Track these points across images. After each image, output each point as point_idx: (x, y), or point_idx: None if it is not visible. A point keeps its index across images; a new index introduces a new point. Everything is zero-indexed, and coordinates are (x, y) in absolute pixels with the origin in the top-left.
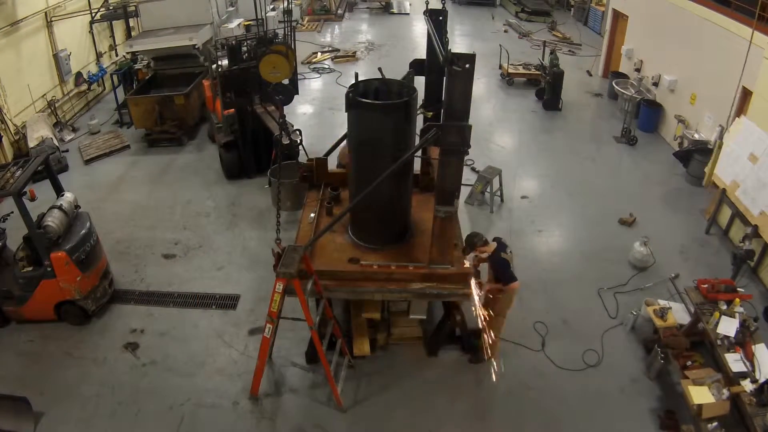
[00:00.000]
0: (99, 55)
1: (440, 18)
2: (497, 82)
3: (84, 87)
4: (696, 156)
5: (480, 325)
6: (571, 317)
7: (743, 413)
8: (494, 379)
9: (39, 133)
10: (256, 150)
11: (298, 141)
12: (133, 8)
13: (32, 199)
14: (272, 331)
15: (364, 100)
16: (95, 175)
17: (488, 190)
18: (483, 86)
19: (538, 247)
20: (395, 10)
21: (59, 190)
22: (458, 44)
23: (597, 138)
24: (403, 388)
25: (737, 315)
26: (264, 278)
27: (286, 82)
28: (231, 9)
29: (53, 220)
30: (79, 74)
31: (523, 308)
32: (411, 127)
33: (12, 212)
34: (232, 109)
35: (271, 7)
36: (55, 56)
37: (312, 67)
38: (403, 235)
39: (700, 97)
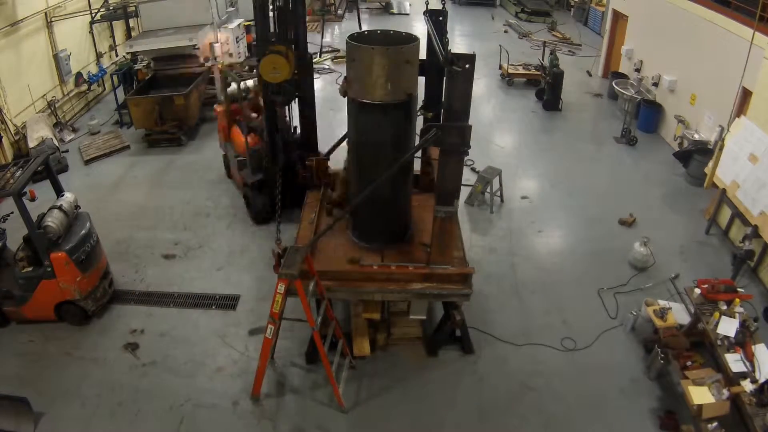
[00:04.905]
0: (99, 56)
1: (440, 18)
2: (497, 83)
3: (84, 87)
4: (696, 156)
5: None
6: (571, 317)
7: (743, 413)
8: None
9: (39, 133)
10: (293, 186)
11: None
12: (133, 8)
13: (32, 199)
14: (274, 332)
15: (364, 100)
16: (95, 175)
17: (488, 190)
18: (483, 86)
19: (538, 248)
20: (395, 11)
21: (59, 191)
22: (458, 44)
23: (597, 138)
24: (404, 388)
25: (737, 315)
26: (264, 278)
27: None
28: (231, 9)
29: (53, 220)
30: (79, 74)
31: (524, 308)
32: (411, 128)
33: (12, 212)
34: (254, 139)
35: (272, 7)
36: (55, 56)
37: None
38: (403, 235)
39: (699, 98)
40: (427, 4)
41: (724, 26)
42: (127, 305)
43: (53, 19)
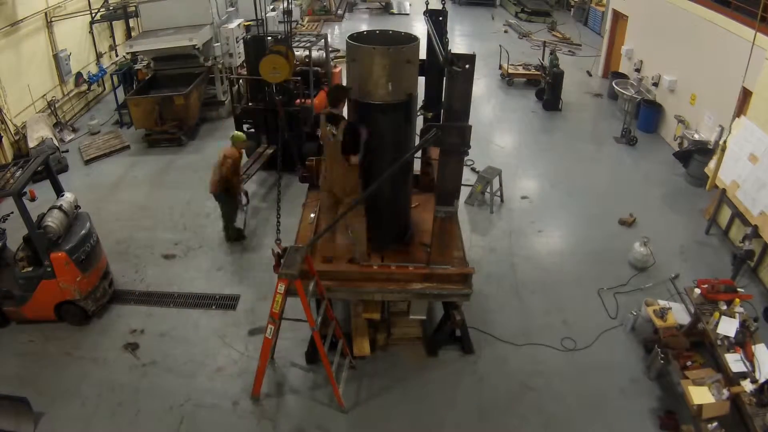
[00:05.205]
0: (99, 56)
1: (440, 18)
2: (497, 83)
3: (84, 87)
4: (696, 156)
5: None
6: (571, 317)
7: (743, 413)
8: None
9: (39, 133)
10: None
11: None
12: (133, 8)
13: (32, 199)
14: (274, 332)
15: (364, 100)
16: (95, 175)
17: (488, 190)
18: (483, 86)
19: (538, 248)
20: (395, 11)
21: (59, 191)
22: (458, 44)
23: (597, 138)
24: (404, 388)
25: (737, 315)
26: (264, 278)
27: None
28: (231, 9)
29: (53, 220)
30: (79, 74)
31: (523, 308)
32: (411, 128)
33: (12, 212)
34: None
35: (271, 7)
36: (55, 56)
37: None
38: (403, 235)
39: (699, 98)
40: (427, 4)
41: (724, 26)
42: (127, 305)
43: (53, 19)
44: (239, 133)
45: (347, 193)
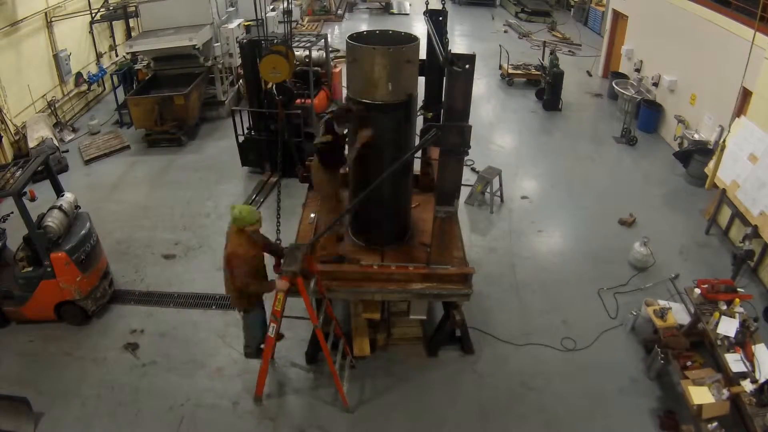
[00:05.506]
0: (99, 56)
1: (440, 18)
2: (497, 83)
3: (84, 87)
4: (696, 156)
5: None
6: (571, 317)
7: (743, 413)
8: None
9: (39, 133)
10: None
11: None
12: (133, 8)
13: (32, 199)
14: (276, 331)
15: (364, 100)
16: (95, 175)
17: (488, 190)
18: (483, 86)
19: (538, 248)
20: (395, 11)
21: (59, 191)
22: (458, 44)
23: (597, 138)
24: (404, 388)
25: (737, 315)
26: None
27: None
28: (231, 9)
29: (53, 220)
30: (79, 74)
31: (523, 308)
32: (411, 128)
33: (12, 212)
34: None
35: (271, 7)
36: (55, 56)
37: None
38: (403, 235)
39: (699, 98)
40: (427, 4)
41: (724, 26)
42: (127, 305)
43: (53, 19)
44: (245, 207)
45: (329, 196)
